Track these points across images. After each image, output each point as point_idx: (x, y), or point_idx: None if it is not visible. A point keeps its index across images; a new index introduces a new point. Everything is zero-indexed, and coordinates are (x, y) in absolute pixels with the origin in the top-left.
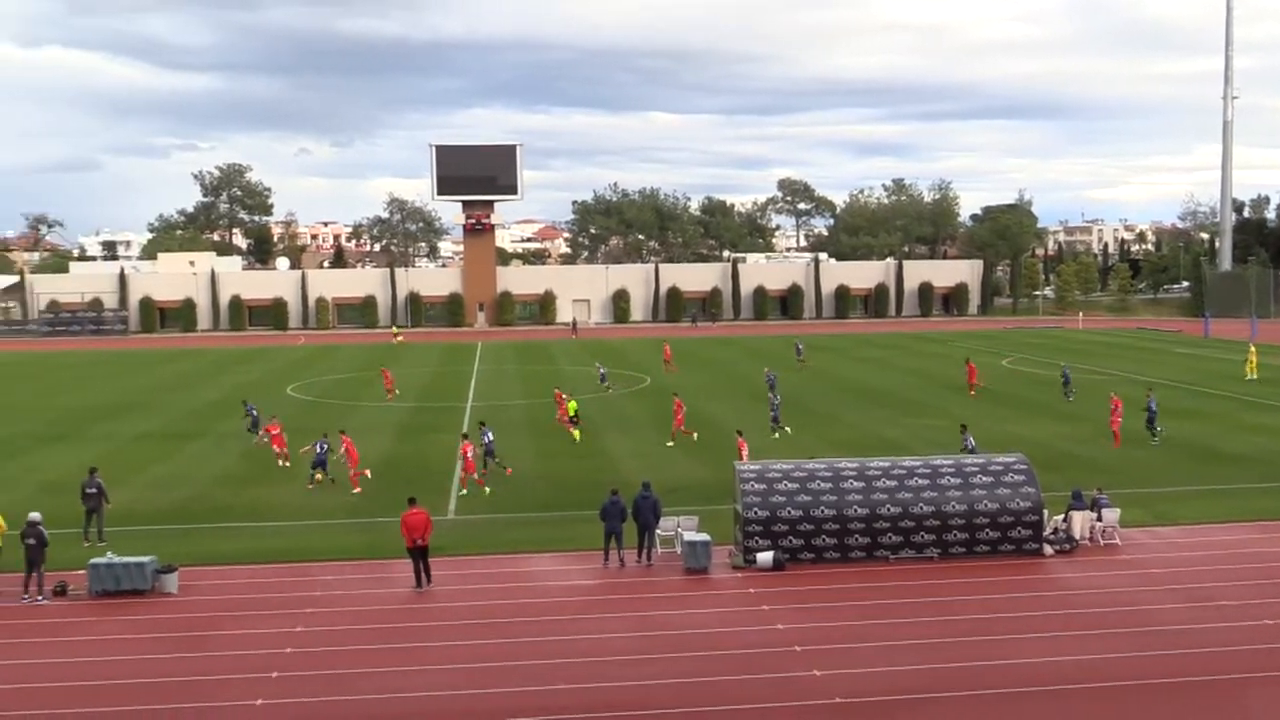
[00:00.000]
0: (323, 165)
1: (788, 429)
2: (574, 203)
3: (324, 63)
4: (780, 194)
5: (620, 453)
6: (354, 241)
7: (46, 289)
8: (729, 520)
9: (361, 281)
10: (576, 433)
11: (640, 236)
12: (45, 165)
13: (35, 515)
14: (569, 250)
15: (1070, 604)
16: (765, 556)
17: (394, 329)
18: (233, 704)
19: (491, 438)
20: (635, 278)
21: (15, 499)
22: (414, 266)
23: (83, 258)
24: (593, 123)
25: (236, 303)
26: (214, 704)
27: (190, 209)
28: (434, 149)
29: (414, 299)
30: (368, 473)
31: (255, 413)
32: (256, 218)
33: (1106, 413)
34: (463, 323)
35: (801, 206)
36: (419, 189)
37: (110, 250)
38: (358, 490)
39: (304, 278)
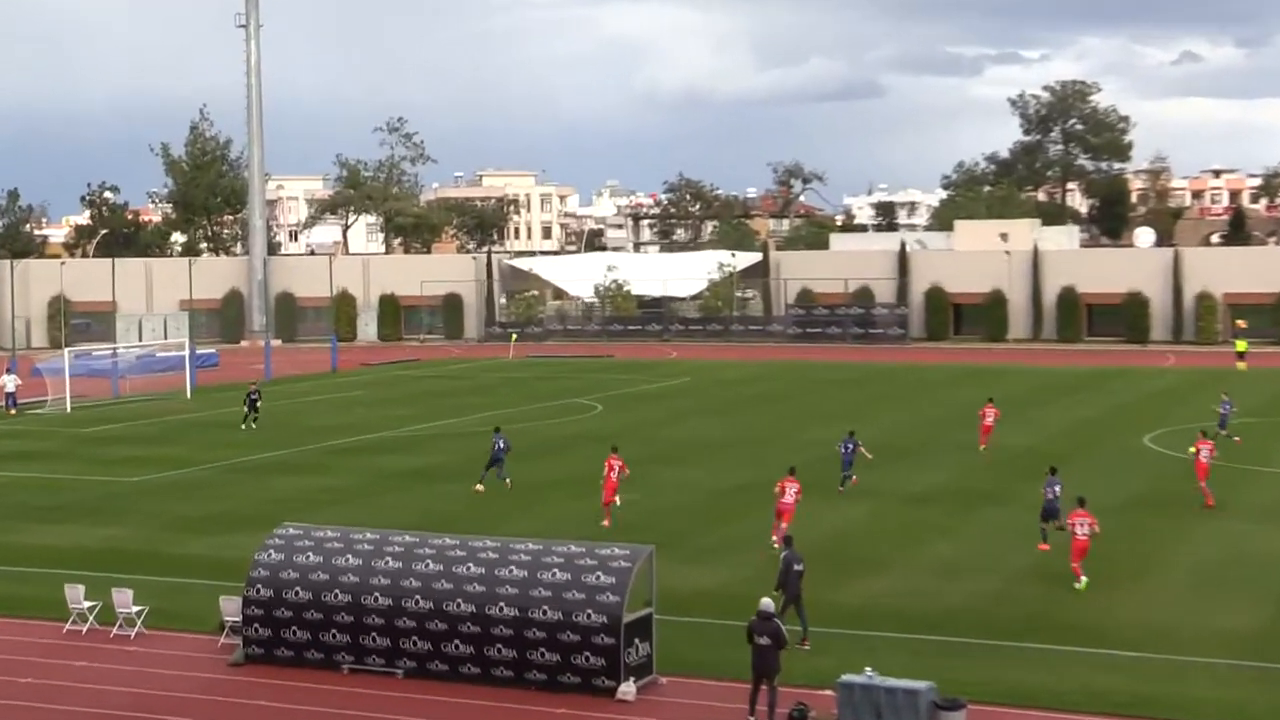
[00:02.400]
0: (1218, 78)
1: None
2: None
3: None
4: None
5: None
6: (1263, 200)
7: (797, 272)
8: None
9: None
10: None
11: None
12: (798, 90)
13: (767, 604)
14: None
15: None
16: None
17: (1238, 347)
18: None
19: (1059, 490)
20: None
21: (733, 572)
22: None
23: (848, 227)
24: None
25: (1068, 297)
26: None
27: (1004, 153)
28: None
29: None
30: (618, 500)
31: (503, 446)
32: (1103, 164)
33: None
34: None
35: None
36: None
37: (887, 215)
38: (606, 524)
39: (1176, 259)
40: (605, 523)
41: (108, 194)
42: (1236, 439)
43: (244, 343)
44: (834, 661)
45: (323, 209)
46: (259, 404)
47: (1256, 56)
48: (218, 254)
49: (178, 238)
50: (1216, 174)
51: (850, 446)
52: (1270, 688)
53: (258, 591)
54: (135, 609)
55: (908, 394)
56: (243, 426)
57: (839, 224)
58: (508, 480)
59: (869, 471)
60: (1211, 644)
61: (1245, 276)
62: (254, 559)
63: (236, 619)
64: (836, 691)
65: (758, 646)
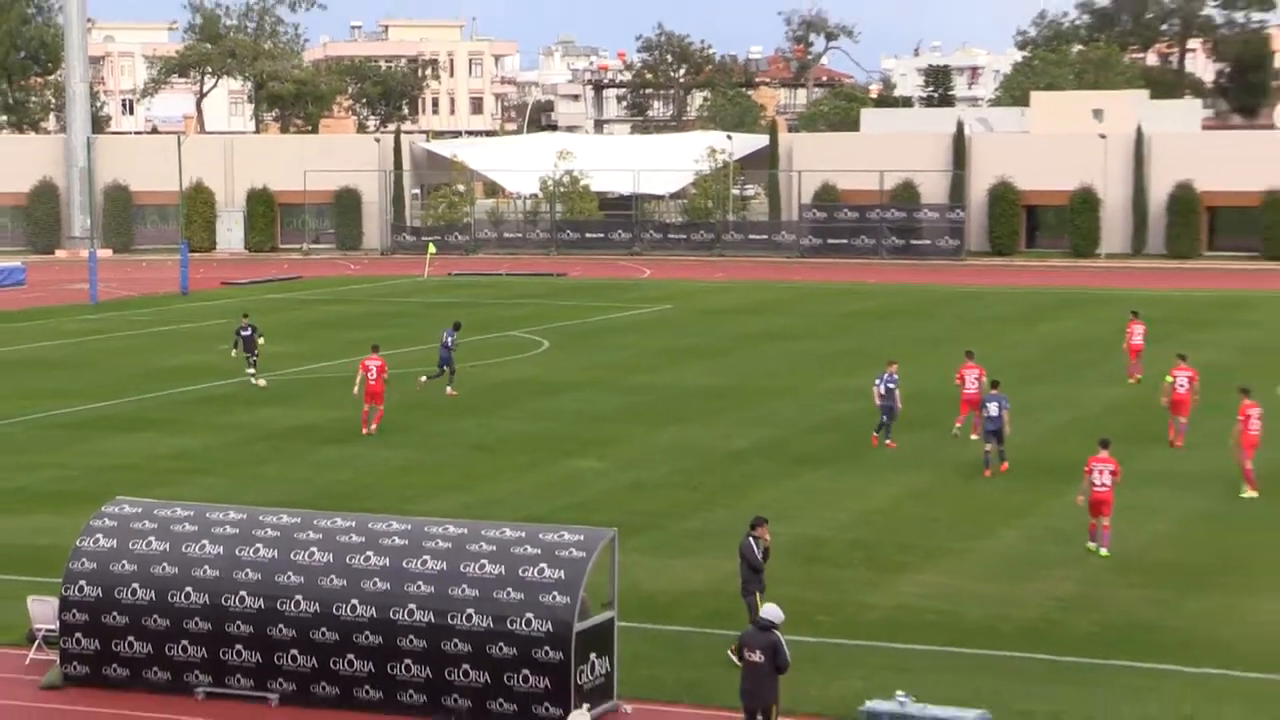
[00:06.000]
0: None
1: None
2: None
3: None
4: None
5: None
6: None
7: (817, 162)
8: None
9: None
10: None
11: None
12: None
13: (772, 611)
14: None
15: None
16: None
17: None
18: None
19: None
20: None
21: (727, 564)
22: None
23: (886, 100)
24: None
25: (1184, 198)
26: None
27: None
28: None
29: None
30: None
31: (451, 343)
32: (1239, 13)
33: None
34: None
35: None
36: None
37: (939, 84)
38: (366, 431)
39: None
40: (366, 430)
41: None
42: None
43: (60, 252)
44: (857, 684)
45: (169, 70)
46: (259, 343)
47: None
48: (22, 130)
49: None
50: None
51: (890, 385)
52: None
53: (80, 590)
54: None
55: (965, 330)
56: (258, 380)
57: (874, 96)
58: (423, 379)
59: (914, 433)
60: None
61: None
62: (75, 547)
63: (51, 628)
64: None
65: (749, 664)
